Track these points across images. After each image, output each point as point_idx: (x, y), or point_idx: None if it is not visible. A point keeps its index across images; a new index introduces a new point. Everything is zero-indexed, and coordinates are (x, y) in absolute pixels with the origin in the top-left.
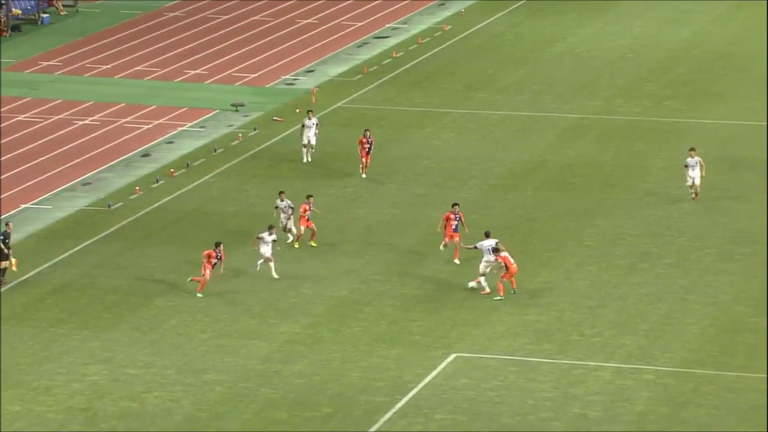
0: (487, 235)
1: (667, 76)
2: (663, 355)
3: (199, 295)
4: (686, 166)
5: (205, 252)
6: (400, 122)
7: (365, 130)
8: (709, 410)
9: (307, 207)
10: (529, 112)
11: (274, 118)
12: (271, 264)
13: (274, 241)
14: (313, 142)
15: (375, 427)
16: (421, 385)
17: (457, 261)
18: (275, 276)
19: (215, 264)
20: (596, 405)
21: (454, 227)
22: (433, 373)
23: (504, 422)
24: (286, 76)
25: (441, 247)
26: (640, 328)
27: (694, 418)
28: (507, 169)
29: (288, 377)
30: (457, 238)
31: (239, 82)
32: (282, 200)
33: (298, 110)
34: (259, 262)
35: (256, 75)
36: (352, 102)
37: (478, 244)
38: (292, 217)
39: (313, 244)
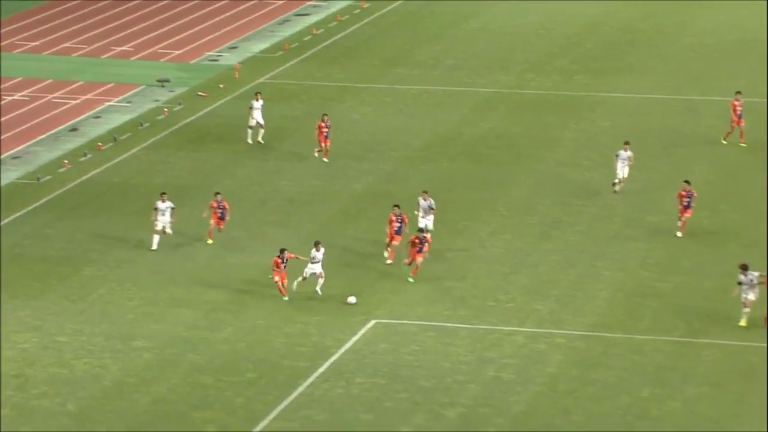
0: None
1: (576, 51)
2: (574, 319)
3: (285, 298)
4: (617, 157)
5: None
6: (321, 97)
7: (323, 115)
8: (617, 371)
9: (216, 203)
10: (444, 86)
11: (199, 93)
12: (321, 280)
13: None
14: (262, 122)
15: (298, 391)
16: (342, 350)
17: (389, 261)
18: (320, 292)
19: (284, 265)
20: (510, 368)
21: (396, 229)
22: (354, 339)
23: (422, 385)
24: (210, 53)
25: (386, 253)
26: (551, 293)
27: (602, 379)
28: (423, 141)
29: (213, 344)
30: (396, 242)
31: (164, 59)
32: (163, 201)
33: (221, 85)
34: (301, 277)
35: (180, 51)
36: (274, 77)
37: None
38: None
39: (209, 241)
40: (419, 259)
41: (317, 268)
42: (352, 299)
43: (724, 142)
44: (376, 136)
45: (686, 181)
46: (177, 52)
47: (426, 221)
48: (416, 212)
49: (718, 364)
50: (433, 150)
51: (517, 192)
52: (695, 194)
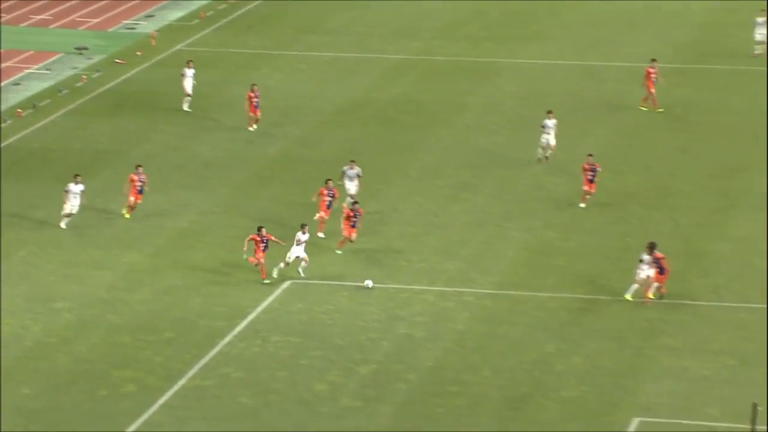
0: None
1: (482, 19)
2: (482, 278)
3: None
4: (543, 127)
5: (250, 237)
6: (236, 64)
7: (252, 85)
8: (523, 328)
9: (136, 177)
10: (355, 53)
11: (117, 60)
12: (304, 263)
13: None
14: (189, 91)
15: (215, 350)
16: (258, 310)
17: (321, 234)
18: (302, 274)
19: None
20: (420, 325)
21: (327, 203)
22: (270, 299)
23: (335, 343)
24: (128, 21)
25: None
26: (460, 253)
27: (509, 335)
28: (336, 106)
29: (132, 304)
30: (326, 216)
31: (83, 27)
32: (76, 183)
33: (139, 53)
34: (283, 263)
35: (98, 20)
36: (190, 45)
37: None
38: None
39: (127, 216)
40: (354, 235)
41: (301, 252)
42: (369, 283)
43: (644, 108)
44: (290, 102)
45: (590, 155)
46: (95, 20)
47: (352, 186)
48: (340, 182)
49: (618, 320)
50: (345, 115)
51: (426, 156)
52: (599, 168)
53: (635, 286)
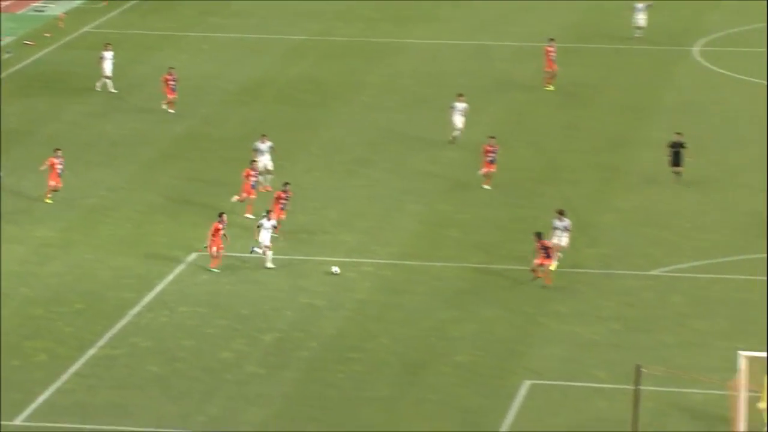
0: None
1: (379, 1)
2: (381, 249)
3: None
4: (452, 109)
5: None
6: (142, 45)
7: (170, 68)
8: (421, 297)
9: (56, 160)
10: (257, 34)
11: (26, 42)
12: (269, 253)
13: (274, 227)
14: (107, 73)
15: (124, 320)
16: (165, 281)
17: (249, 216)
18: (270, 265)
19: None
20: (322, 295)
21: (252, 183)
22: (177, 271)
23: (240, 313)
24: (36, 4)
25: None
26: (360, 226)
27: (407, 304)
28: (239, 86)
29: (43, 277)
30: (253, 195)
31: None
32: None
33: (47, 35)
34: (256, 249)
35: (8, 3)
36: (97, 27)
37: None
38: None
39: (49, 201)
40: (283, 216)
41: (266, 239)
42: (336, 269)
43: (551, 88)
44: (194, 82)
45: (492, 137)
46: (5, 3)
47: (265, 160)
48: (255, 159)
49: (511, 289)
50: (249, 94)
51: (327, 133)
52: (498, 149)
53: (559, 254)
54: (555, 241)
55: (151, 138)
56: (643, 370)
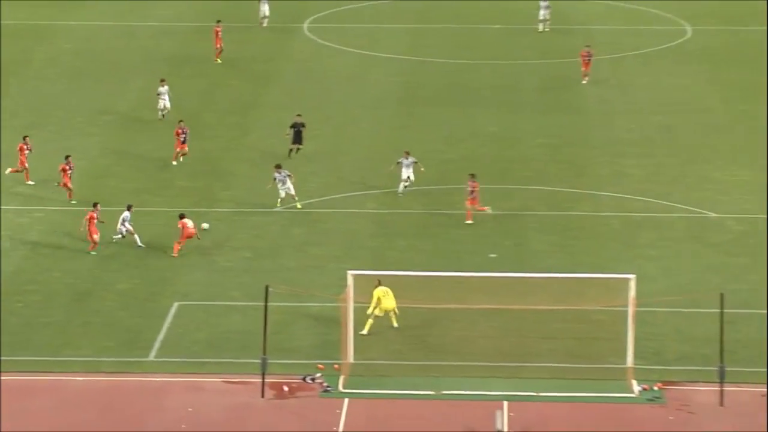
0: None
1: None
2: (52, 197)
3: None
4: (158, 95)
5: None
6: None
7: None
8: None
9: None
10: None
11: None
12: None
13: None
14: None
15: None
16: None
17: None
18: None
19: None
20: (3, 239)
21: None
22: None
23: None
24: None
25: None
26: (32, 177)
27: (73, 244)
28: None
29: None
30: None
31: None
32: None
33: None
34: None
35: None
36: None
37: None
38: None
39: None
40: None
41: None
42: (205, 225)
43: (218, 61)
44: None
45: (181, 120)
46: None
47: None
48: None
49: (161, 226)
50: None
51: (3, 102)
52: (188, 130)
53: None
54: (280, 189)
55: None
56: (271, 289)
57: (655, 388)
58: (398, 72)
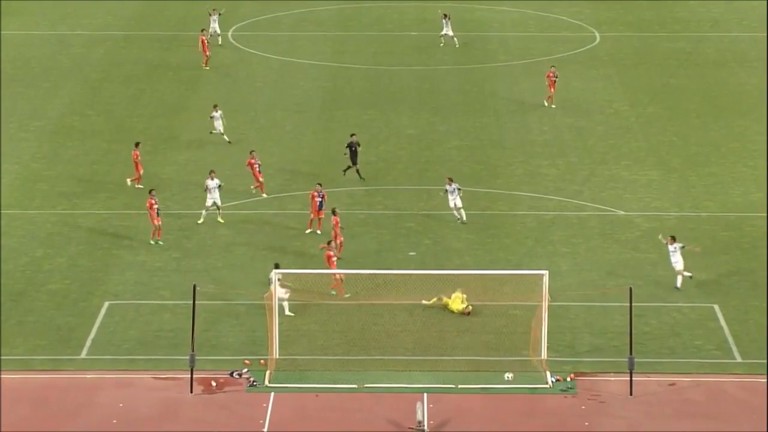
0: None
1: None
2: None
3: (153, 242)
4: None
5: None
6: None
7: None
8: (17, 238)
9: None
10: None
11: None
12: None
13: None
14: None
15: None
16: None
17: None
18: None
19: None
20: None
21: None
22: None
23: None
24: None
25: None
26: None
27: (7, 244)
28: None
29: None
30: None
31: None
32: None
33: None
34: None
35: None
36: None
37: None
38: None
39: None
40: None
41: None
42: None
43: (206, 67)
44: None
45: (252, 151)
46: None
47: None
48: None
49: (91, 230)
50: None
51: None
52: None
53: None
54: (209, 198)
55: None
56: (199, 288)
57: (568, 379)
58: (320, 77)
